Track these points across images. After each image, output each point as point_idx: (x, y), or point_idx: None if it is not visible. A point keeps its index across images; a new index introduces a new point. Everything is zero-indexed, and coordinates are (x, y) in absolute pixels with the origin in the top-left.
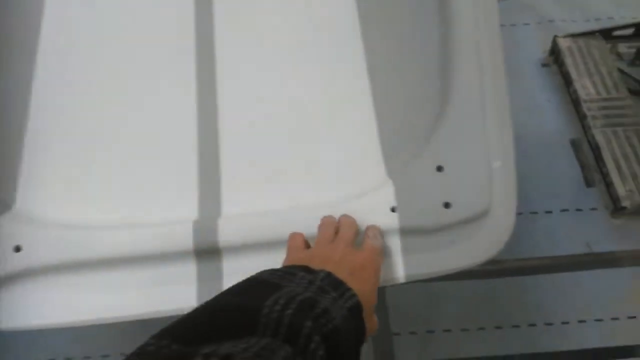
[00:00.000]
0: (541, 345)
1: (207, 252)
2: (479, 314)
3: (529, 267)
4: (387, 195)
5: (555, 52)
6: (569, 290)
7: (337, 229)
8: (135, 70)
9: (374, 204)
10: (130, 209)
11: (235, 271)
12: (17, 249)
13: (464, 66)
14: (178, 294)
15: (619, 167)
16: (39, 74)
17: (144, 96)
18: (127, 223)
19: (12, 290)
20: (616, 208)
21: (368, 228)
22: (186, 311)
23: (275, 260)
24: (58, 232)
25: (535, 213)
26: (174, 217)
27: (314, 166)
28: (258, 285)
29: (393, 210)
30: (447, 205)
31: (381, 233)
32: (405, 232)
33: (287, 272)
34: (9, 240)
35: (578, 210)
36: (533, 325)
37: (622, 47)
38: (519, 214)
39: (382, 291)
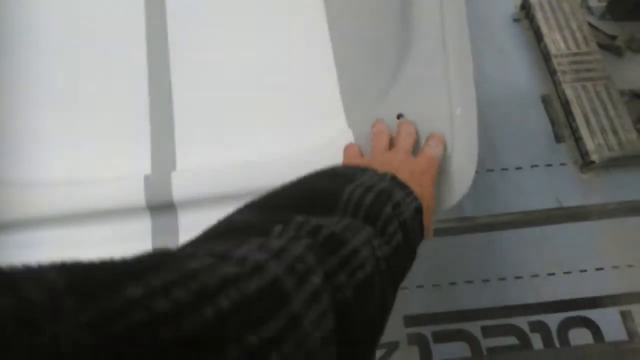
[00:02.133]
0: (511, 298)
1: (161, 207)
2: (450, 269)
3: (499, 223)
4: (346, 143)
5: (526, 7)
6: (539, 245)
7: (392, 137)
8: (85, 25)
9: (334, 154)
10: (81, 164)
11: (191, 226)
12: None
13: (424, 13)
14: (133, 250)
15: (588, 122)
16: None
17: (92, 50)
18: (79, 179)
19: None
20: (585, 162)
21: (430, 136)
22: None
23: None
24: (13, 190)
25: (506, 169)
26: (127, 173)
27: (273, 118)
28: (334, 175)
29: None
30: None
31: (443, 143)
32: None
33: (359, 169)
34: None
35: (548, 165)
36: (503, 279)
37: (592, 1)
38: (490, 170)
39: None
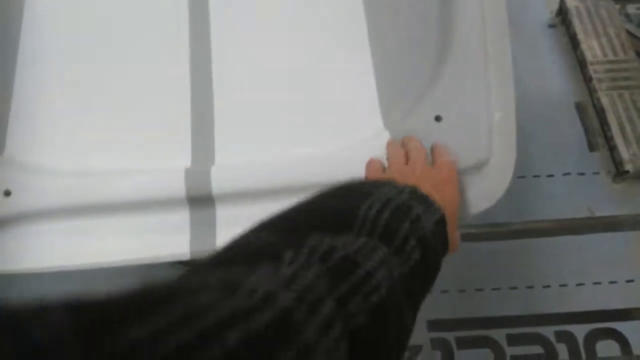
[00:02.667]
0: (538, 307)
1: (200, 200)
2: (477, 275)
3: (530, 230)
4: (384, 145)
5: (562, 13)
6: (569, 254)
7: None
8: (130, 22)
9: (369, 153)
10: (123, 157)
11: (228, 220)
12: (7, 193)
13: (465, 16)
14: (171, 240)
15: (623, 131)
16: (30, 17)
17: (137, 46)
18: (120, 170)
19: (3, 234)
20: (619, 172)
21: (435, 146)
22: (179, 258)
23: (269, 208)
24: (49, 178)
25: (538, 176)
26: (167, 166)
27: (310, 117)
28: (351, 191)
29: None
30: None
31: (447, 151)
32: None
33: (377, 183)
34: (3, 184)
35: (580, 174)
36: (530, 287)
37: (631, 8)
38: (521, 177)
39: None
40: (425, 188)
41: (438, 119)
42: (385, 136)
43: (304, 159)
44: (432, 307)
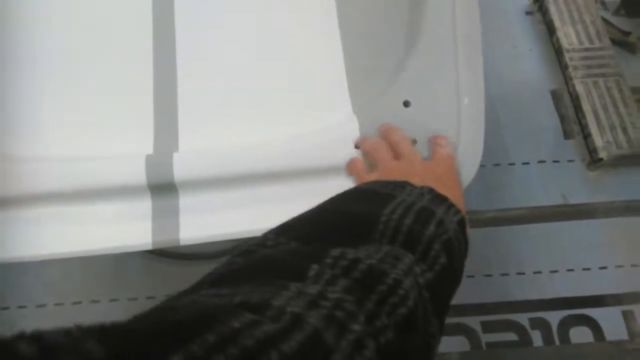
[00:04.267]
0: (513, 294)
1: (162, 188)
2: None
3: (504, 218)
4: (352, 130)
5: (539, 0)
6: (543, 241)
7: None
8: (93, 6)
9: (338, 139)
10: (85, 146)
11: (191, 208)
12: None
13: (434, 1)
14: (133, 230)
15: (597, 119)
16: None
17: (102, 30)
18: (82, 156)
19: None
20: (593, 160)
21: (435, 137)
22: (141, 248)
23: (233, 197)
24: (12, 165)
25: (513, 164)
26: (129, 152)
27: (276, 102)
28: (372, 196)
29: (357, 146)
30: (413, 141)
31: (447, 140)
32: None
33: (397, 185)
34: None
35: (555, 161)
36: (505, 274)
37: None
38: (496, 164)
39: None
40: (435, 186)
41: (406, 104)
42: (354, 121)
43: (268, 144)
44: None
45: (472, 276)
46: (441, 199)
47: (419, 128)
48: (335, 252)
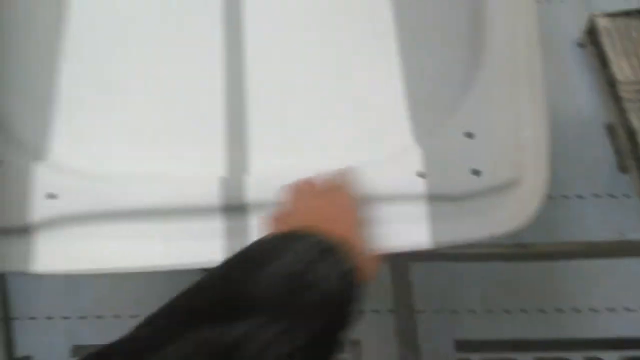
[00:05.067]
0: (567, 332)
1: (234, 209)
2: (505, 296)
3: (558, 252)
4: (413, 159)
5: (592, 32)
6: (599, 278)
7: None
8: (164, 29)
9: (399, 168)
10: (159, 164)
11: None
12: (51, 196)
13: (496, 32)
14: (204, 248)
15: None
16: (71, 23)
17: (174, 56)
18: (157, 176)
19: (46, 235)
20: None
21: (336, 174)
22: (211, 265)
23: None
24: (90, 183)
25: (567, 197)
26: (201, 173)
27: (339, 129)
28: (245, 261)
29: (420, 175)
30: (476, 172)
31: (350, 175)
32: (432, 198)
33: (278, 247)
34: (43, 187)
35: (611, 196)
36: (560, 310)
37: None
38: (549, 197)
39: (403, 268)
40: (327, 225)
41: (469, 135)
42: (416, 150)
43: (336, 170)
44: (459, 326)
45: (526, 311)
46: (325, 252)
47: (483, 159)
48: (205, 333)
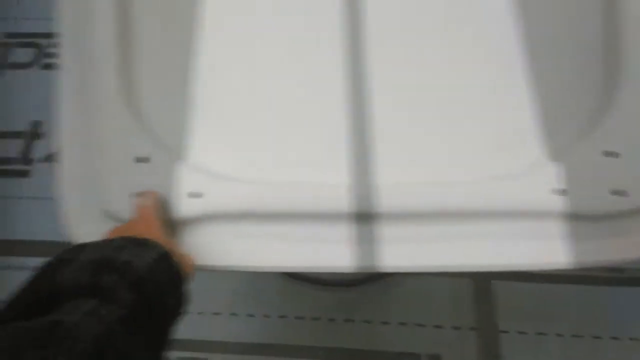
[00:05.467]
0: None
1: (364, 216)
2: (595, 322)
3: None
4: (549, 176)
5: None
6: None
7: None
8: (290, 40)
9: (534, 184)
10: (286, 170)
11: (391, 238)
12: (197, 195)
13: (637, 42)
14: (334, 252)
15: None
16: (206, 37)
17: (300, 65)
18: (286, 181)
19: (189, 233)
20: None
21: (138, 195)
22: (344, 270)
23: (432, 230)
24: (232, 184)
25: None
26: (328, 180)
27: (468, 142)
28: (52, 265)
29: (558, 192)
30: (620, 192)
31: (147, 192)
32: (571, 216)
33: (80, 246)
34: (187, 186)
35: None
36: None
37: None
38: None
39: (486, 286)
40: (139, 231)
41: (611, 154)
42: (553, 166)
43: (467, 183)
44: (544, 350)
45: (617, 338)
46: (133, 242)
47: (629, 179)
48: (10, 327)
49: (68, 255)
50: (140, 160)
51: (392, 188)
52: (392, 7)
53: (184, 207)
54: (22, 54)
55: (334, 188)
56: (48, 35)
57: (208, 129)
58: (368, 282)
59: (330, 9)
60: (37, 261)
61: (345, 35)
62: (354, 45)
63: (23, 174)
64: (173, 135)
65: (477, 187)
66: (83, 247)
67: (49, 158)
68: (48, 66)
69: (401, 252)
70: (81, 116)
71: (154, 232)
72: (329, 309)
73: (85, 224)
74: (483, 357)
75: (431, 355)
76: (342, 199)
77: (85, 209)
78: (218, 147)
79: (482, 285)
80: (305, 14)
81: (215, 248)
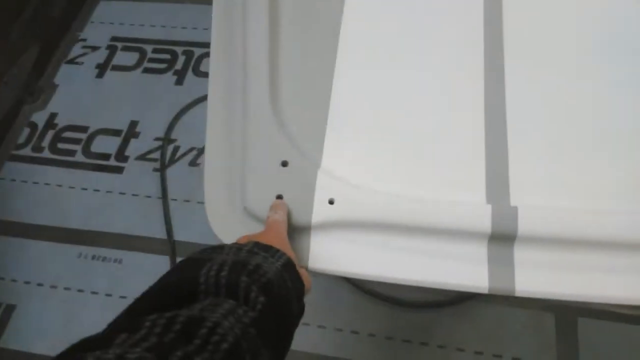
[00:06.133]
0: None
1: (502, 238)
2: None
3: None
4: None
5: None
6: None
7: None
8: (431, 59)
9: None
10: (424, 185)
11: (526, 261)
12: (331, 202)
13: None
14: (468, 272)
15: None
16: (343, 53)
17: (439, 81)
18: (424, 197)
19: (321, 237)
20: None
21: (272, 205)
22: (478, 291)
23: (568, 258)
24: (366, 194)
25: None
26: (467, 198)
27: (610, 171)
28: (188, 263)
29: None
30: None
31: (279, 206)
32: None
33: (215, 247)
34: (325, 193)
35: None
36: None
37: None
38: None
39: (572, 322)
40: (268, 239)
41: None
42: None
43: (612, 214)
44: None
45: None
46: (263, 249)
47: None
48: (153, 316)
49: (205, 255)
50: (283, 164)
51: (532, 211)
52: (530, 27)
53: (317, 211)
54: (127, 58)
55: (473, 206)
56: (152, 42)
57: (344, 141)
58: (442, 305)
59: (468, 25)
60: (114, 253)
61: (486, 56)
62: (495, 65)
63: (118, 170)
64: (312, 143)
65: (626, 217)
66: (220, 248)
67: (142, 157)
68: (148, 70)
69: (538, 277)
70: (227, 122)
71: (281, 244)
72: (402, 329)
73: (227, 221)
74: None
75: None
76: (481, 217)
77: (228, 206)
78: (353, 158)
79: (567, 321)
80: (446, 37)
81: (343, 255)
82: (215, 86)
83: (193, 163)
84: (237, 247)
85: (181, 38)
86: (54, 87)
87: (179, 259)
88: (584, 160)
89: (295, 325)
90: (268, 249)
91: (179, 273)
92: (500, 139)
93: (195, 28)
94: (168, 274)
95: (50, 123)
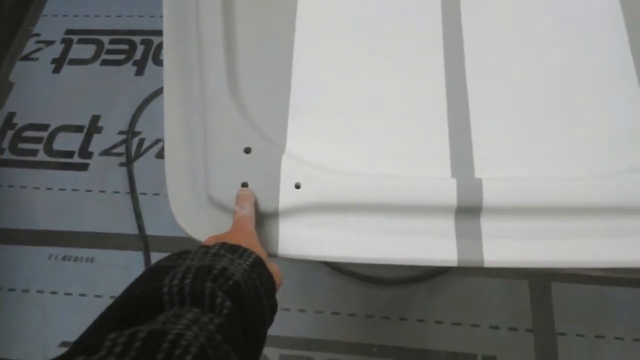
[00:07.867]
0: None
1: (468, 211)
2: None
3: None
4: None
5: None
6: None
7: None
8: (389, 37)
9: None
10: (389, 162)
11: (493, 232)
12: (297, 186)
13: None
14: (437, 246)
15: None
16: (301, 33)
17: (398, 59)
18: (389, 175)
19: (290, 222)
20: None
21: (237, 199)
22: (447, 264)
23: (534, 226)
24: (333, 176)
25: None
26: (430, 174)
27: (573, 140)
28: (153, 272)
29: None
30: None
31: (245, 199)
32: None
33: (181, 253)
34: (291, 177)
35: None
36: None
37: None
38: None
39: (545, 287)
40: (235, 238)
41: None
42: None
43: (574, 179)
44: (603, 353)
45: None
46: (230, 250)
47: None
48: (113, 334)
49: (170, 263)
50: (246, 151)
51: (497, 182)
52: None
53: (284, 197)
54: (84, 50)
55: (439, 181)
56: (108, 32)
57: (308, 124)
58: (419, 280)
59: (427, 2)
60: (85, 252)
61: (444, 34)
62: (453, 41)
63: (83, 167)
64: (274, 128)
65: (581, 184)
66: (186, 253)
67: (107, 152)
68: (106, 62)
69: (506, 247)
70: (185, 111)
71: (250, 242)
72: (381, 306)
73: (191, 211)
74: (540, 359)
75: (487, 356)
76: (447, 191)
77: (192, 198)
78: (318, 140)
79: (541, 286)
80: (404, 15)
81: (311, 239)
82: (170, 73)
83: (160, 155)
84: (203, 250)
85: (138, 27)
86: (9, 85)
87: (152, 254)
88: (545, 129)
89: (267, 323)
90: (235, 250)
91: (143, 284)
92: (462, 113)
93: (152, 16)
94: (132, 285)
95: (8, 123)
